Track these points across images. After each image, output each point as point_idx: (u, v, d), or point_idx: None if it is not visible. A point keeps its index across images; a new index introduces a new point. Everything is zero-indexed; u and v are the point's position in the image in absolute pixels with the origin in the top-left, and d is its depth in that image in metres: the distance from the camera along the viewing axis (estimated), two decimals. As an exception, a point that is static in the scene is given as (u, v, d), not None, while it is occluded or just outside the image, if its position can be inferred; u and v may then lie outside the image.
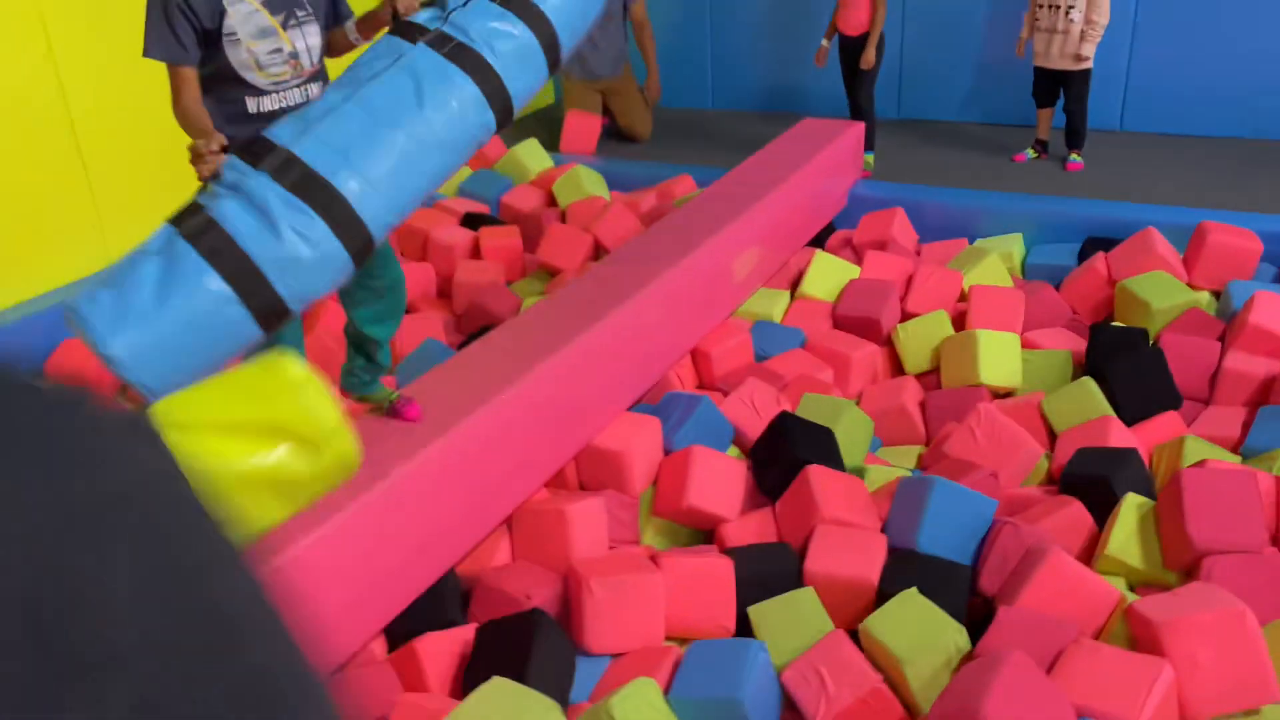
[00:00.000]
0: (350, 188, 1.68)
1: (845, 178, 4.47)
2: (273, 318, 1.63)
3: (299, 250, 1.61)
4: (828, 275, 3.84)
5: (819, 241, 4.33)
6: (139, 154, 3.88)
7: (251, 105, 1.95)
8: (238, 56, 1.90)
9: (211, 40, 1.90)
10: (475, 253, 4.30)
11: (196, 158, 1.71)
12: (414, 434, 2.41)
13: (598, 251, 4.15)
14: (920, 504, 2.51)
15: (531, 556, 2.65)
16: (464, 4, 1.93)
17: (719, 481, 2.78)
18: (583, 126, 5.38)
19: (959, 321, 3.62)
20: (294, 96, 1.99)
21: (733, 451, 3.06)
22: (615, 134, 5.78)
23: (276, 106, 1.97)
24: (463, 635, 2.37)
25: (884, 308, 3.60)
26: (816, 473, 2.67)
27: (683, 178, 4.67)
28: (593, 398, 2.86)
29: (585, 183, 4.69)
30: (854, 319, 3.63)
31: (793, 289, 3.91)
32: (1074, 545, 2.51)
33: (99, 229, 3.86)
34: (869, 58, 4.54)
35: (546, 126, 5.70)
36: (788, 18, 5.91)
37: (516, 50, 1.93)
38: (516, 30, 1.94)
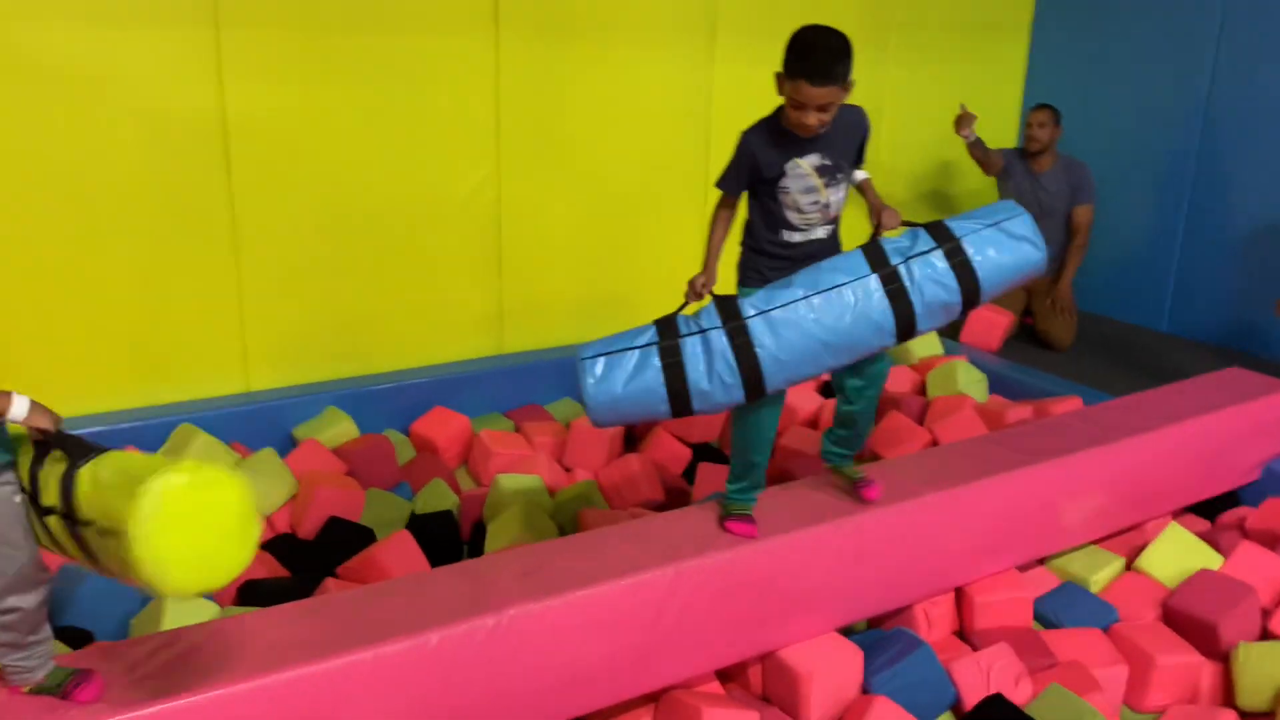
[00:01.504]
0: (767, 361, 2.31)
1: (1264, 446, 3.65)
2: (682, 414, 2.36)
3: (715, 390, 2.33)
4: (1177, 554, 3.14)
5: (1208, 511, 3.59)
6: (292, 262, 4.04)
7: (786, 235, 2.51)
8: (784, 201, 2.47)
9: (767, 183, 2.47)
10: (815, 422, 4.18)
11: (692, 289, 2.47)
12: (571, 574, 2.36)
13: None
14: None
15: (662, 746, 2.47)
16: (925, 252, 2.38)
17: (895, 746, 2.37)
18: (989, 322, 5.01)
19: (1334, 665, 2.76)
20: (818, 233, 2.53)
21: (945, 719, 2.60)
22: (1033, 337, 5.30)
23: (804, 239, 2.52)
24: (549, 798, 2.25)
25: (1231, 614, 2.84)
26: (1001, 781, 2.17)
27: (1071, 399, 4.12)
28: (792, 602, 2.59)
29: (961, 378, 4.34)
30: (1187, 617, 2.91)
31: (1132, 558, 3.25)
32: None
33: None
34: (1324, 313, 3.70)
35: (963, 313, 5.40)
36: (1272, 247, 5.04)
37: (943, 305, 2.39)
38: (949, 292, 2.38)
